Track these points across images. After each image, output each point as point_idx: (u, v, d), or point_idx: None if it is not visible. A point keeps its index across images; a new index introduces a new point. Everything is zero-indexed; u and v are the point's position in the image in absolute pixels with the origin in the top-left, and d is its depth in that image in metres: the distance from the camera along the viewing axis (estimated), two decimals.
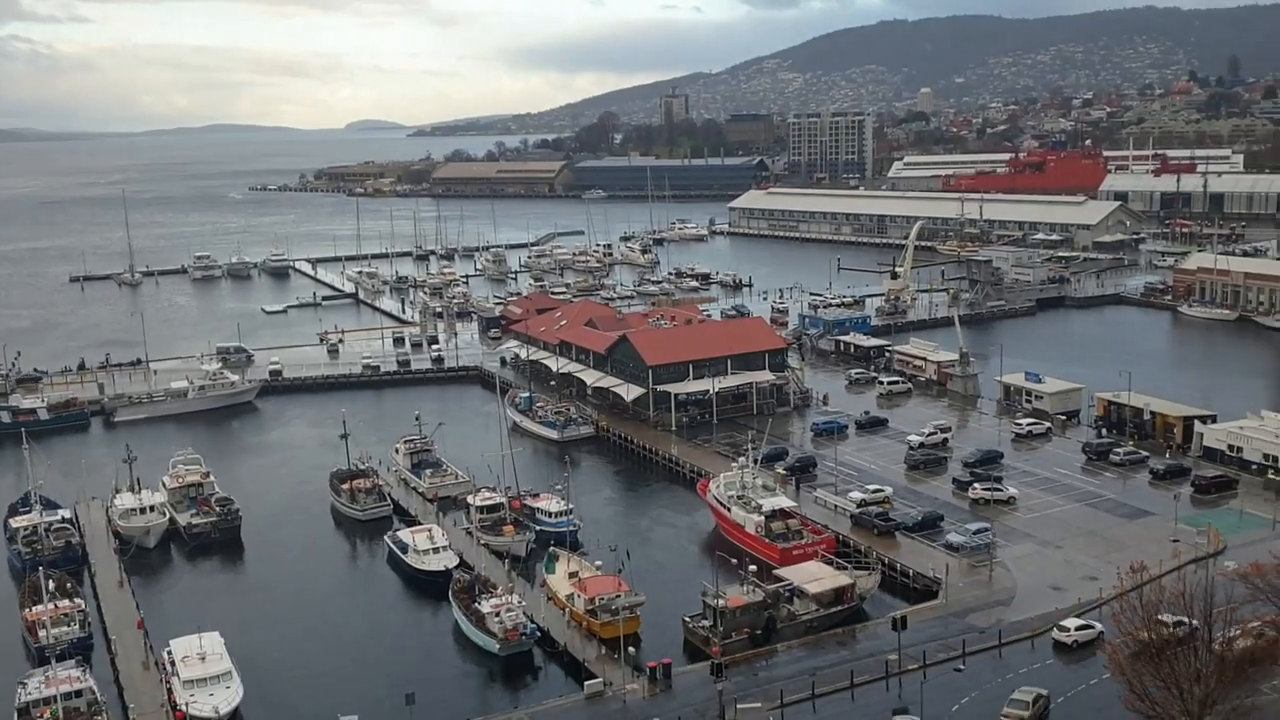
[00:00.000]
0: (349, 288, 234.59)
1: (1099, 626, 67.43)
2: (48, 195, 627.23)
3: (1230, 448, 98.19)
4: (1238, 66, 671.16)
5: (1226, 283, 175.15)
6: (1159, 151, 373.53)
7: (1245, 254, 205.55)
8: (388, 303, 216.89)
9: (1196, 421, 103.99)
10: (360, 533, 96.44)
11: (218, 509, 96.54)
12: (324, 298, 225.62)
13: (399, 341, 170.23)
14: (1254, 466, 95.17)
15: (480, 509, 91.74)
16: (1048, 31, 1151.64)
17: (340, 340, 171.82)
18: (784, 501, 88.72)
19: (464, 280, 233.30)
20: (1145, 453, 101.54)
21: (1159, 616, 54.62)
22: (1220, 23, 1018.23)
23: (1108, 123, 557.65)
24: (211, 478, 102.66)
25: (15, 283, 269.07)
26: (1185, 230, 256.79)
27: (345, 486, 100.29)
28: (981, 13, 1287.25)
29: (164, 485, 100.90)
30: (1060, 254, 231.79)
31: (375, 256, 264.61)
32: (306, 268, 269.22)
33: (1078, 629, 68.00)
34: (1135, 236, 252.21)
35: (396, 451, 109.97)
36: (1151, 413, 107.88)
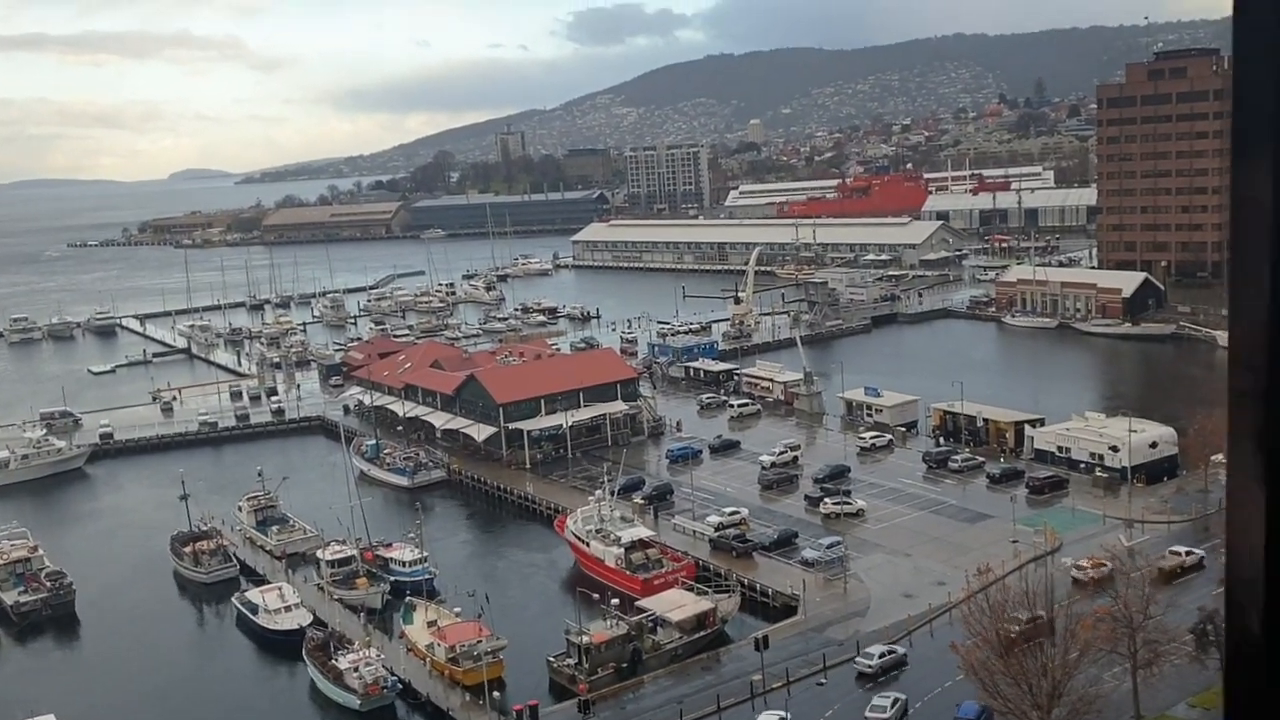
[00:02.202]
0: (181, 343, 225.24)
1: (901, 650, 69.13)
2: None
3: (1059, 449, 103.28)
4: (1043, 88, 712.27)
5: (1045, 293, 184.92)
6: (975, 171, 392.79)
7: (1061, 265, 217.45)
8: (223, 356, 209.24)
9: (1026, 426, 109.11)
10: (207, 596, 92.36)
11: (48, 584, 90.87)
12: (154, 354, 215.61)
13: (236, 395, 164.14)
14: (1082, 465, 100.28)
15: (331, 563, 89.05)
16: (865, 61, 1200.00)
17: (174, 398, 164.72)
18: (643, 532, 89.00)
19: (301, 328, 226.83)
20: (981, 458, 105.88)
21: (1009, 614, 56.83)
22: (1024, 47, 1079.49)
23: (926, 146, 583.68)
24: (40, 551, 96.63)
25: None
26: (1004, 245, 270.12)
27: (188, 549, 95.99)
28: (803, 45, 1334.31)
29: None
30: (890, 273, 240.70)
31: (207, 309, 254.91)
32: (134, 324, 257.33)
33: (880, 656, 68.23)
34: (958, 253, 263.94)
35: (240, 509, 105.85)
36: (984, 420, 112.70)
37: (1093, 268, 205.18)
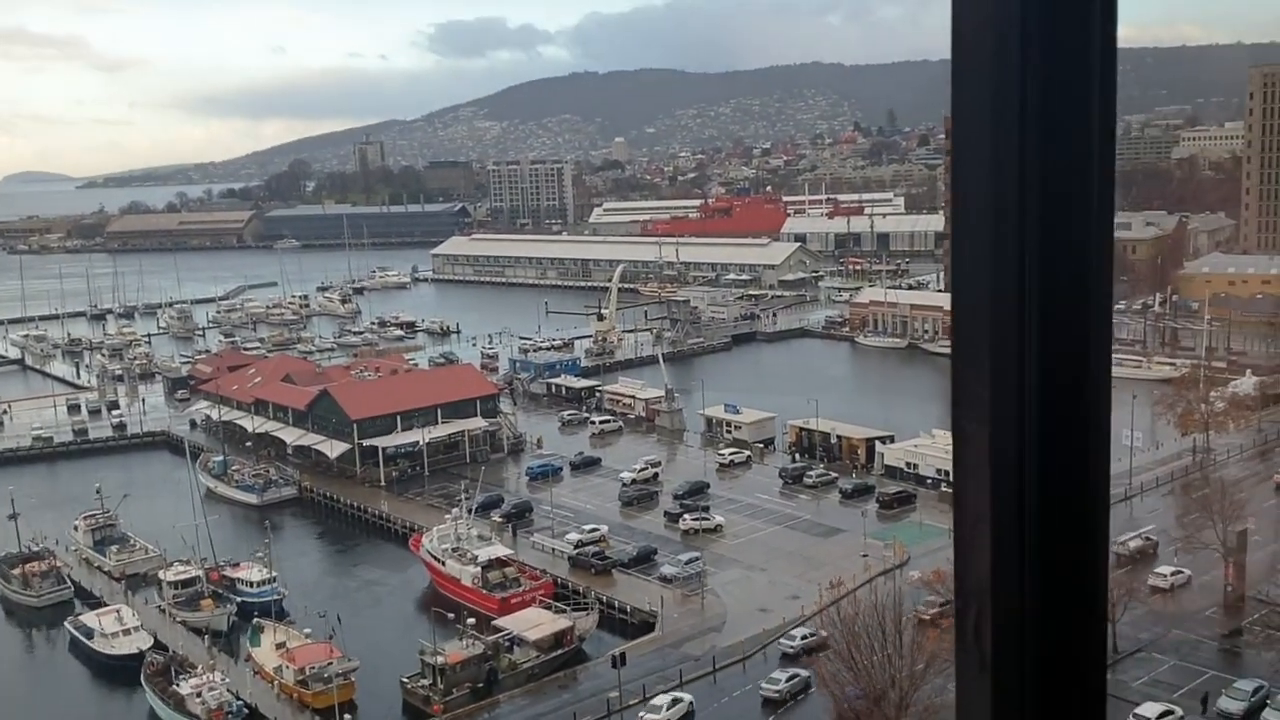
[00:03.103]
0: (14, 354, 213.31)
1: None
2: None
3: (908, 465, 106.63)
4: (895, 118, 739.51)
5: (895, 314, 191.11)
6: (831, 196, 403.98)
7: (910, 287, 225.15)
8: (60, 367, 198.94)
9: (877, 442, 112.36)
10: (37, 620, 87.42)
11: None
12: None
13: (74, 409, 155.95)
14: (929, 481, 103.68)
15: (174, 584, 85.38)
16: (727, 85, 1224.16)
17: (5, 411, 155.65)
18: (500, 550, 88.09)
19: (146, 339, 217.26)
20: (835, 474, 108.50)
21: (857, 628, 58.20)
22: (878, 77, 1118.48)
23: (785, 170, 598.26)
24: None
25: None
26: (858, 267, 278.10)
27: (16, 571, 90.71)
28: (667, 67, 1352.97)
29: None
30: (750, 292, 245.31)
31: (44, 318, 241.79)
32: None
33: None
34: (815, 274, 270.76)
35: (75, 529, 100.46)
36: (838, 436, 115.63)
37: (940, 291, 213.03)
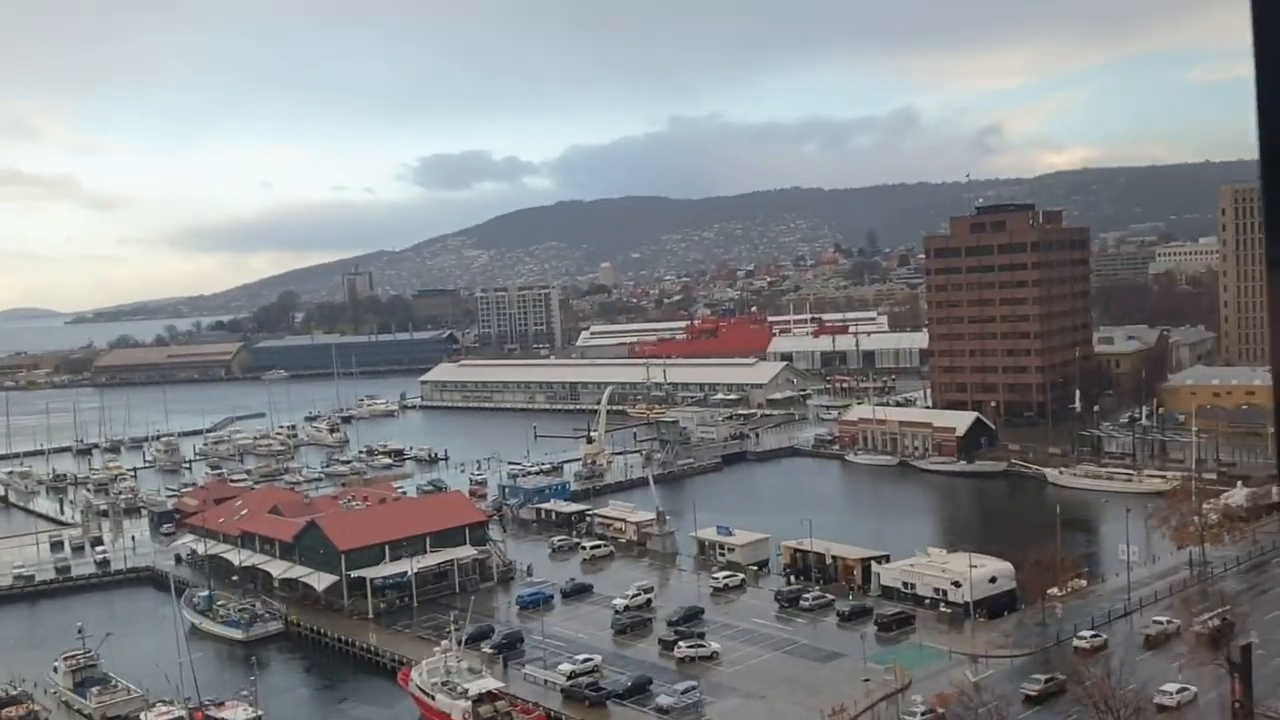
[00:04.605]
0: None
1: None
2: None
3: (905, 584, 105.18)
4: (875, 238, 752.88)
5: (885, 431, 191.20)
6: (815, 315, 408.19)
7: (898, 404, 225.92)
8: (44, 504, 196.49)
9: (873, 562, 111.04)
10: None
11: None
12: None
13: (57, 546, 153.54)
14: (926, 601, 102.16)
15: None
16: (710, 210, 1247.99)
17: None
18: (491, 683, 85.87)
19: (132, 473, 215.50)
20: (831, 596, 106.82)
21: None
22: (856, 200, 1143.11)
23: (769, 290, 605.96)
24: None
25: None
26: (844, 385, 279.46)
27: None
28: (651, 194, 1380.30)
29: None
30: (739, 411, 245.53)
31: (29, 454, 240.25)
32: None
33: None
34: (802, 393, 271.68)
35: (55, 670, 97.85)
36: (833, 556, 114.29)
37: (928, 407, 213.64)
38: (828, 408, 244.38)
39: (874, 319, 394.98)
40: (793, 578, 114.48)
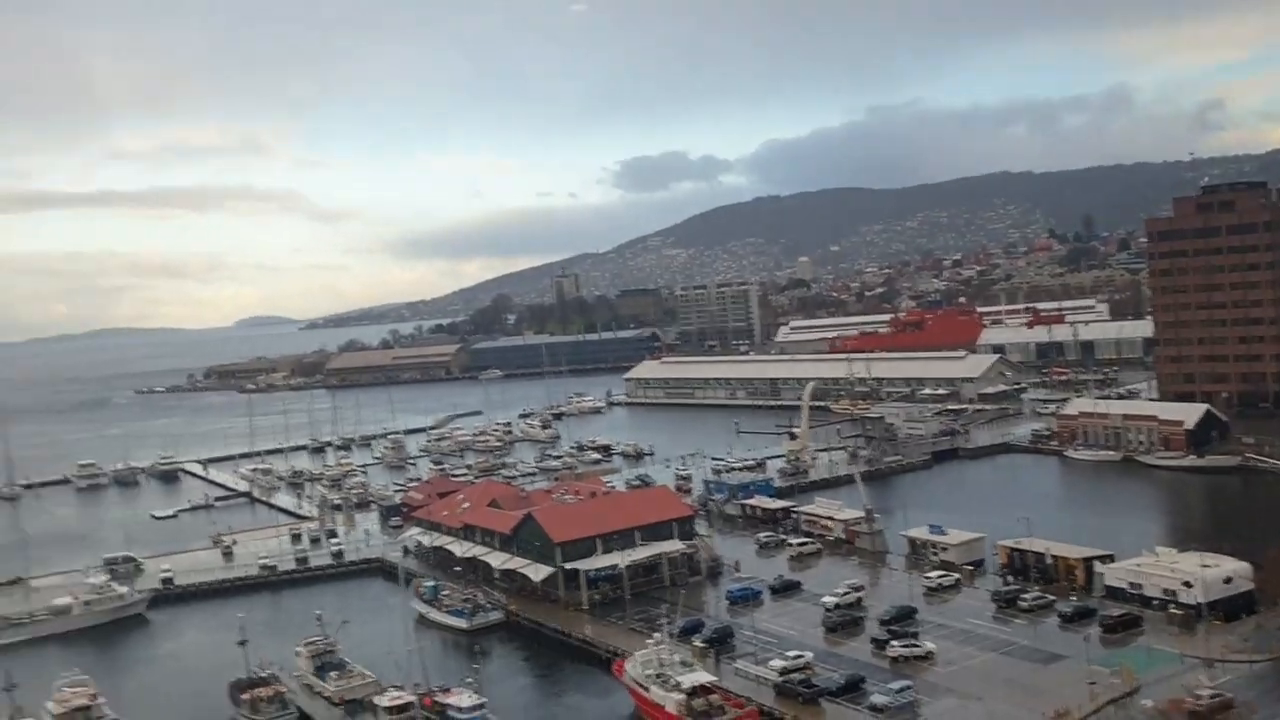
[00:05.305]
0: (243, 486, 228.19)
1: None
2: None
3: (1131, 585, 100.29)
4: (1091, 223, 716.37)
5: (1107, 425, 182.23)
6: (1029, 305, 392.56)
7: (1120, 397, 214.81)
8: (284, 499, 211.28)
9: (1096, 562, 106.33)
10: None
11: None
12: (217, 498, 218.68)
13: (296, 538, 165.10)
14: (1155, 602, 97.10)
15: (389, 710, 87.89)
16: (913, 199, 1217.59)
17: (234, 542, 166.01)
18: (704, 676, 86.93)
19: (362, 470, 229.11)
20: (1051, 596, 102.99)
21: None
22: (1071, 183, 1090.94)
23: (978, 280, 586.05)
24: (101, 699, 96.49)
25: None
26: (1062, 378, 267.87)
27: (245, 696, 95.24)
28: (850, 185, 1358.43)
29: (48, 711, 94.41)
30: (949, 407, 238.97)
31: (269, 452, 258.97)
32: (197, 469, 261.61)
33: None
34: (1017, 386, 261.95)
35: (298, 654, 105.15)
36: (1053, 556, 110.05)
37: (1153, 399, 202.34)
38: (1044, 401, 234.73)
39: (1092, 307, 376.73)
40: (1010, 578, 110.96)
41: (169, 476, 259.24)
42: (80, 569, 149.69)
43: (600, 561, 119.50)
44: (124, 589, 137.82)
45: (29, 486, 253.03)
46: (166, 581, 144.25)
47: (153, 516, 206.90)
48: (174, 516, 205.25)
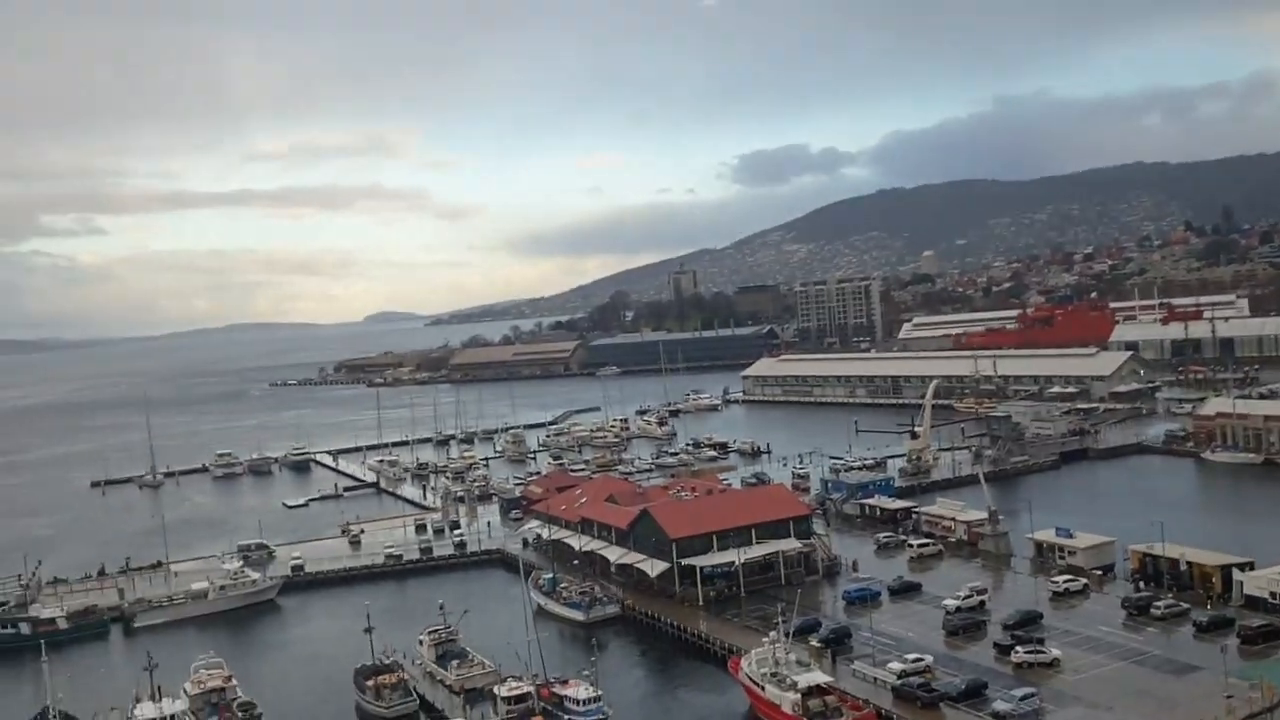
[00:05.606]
0: (370, 477, 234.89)
1: None
2: (70, 401, 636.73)
3: (1273, 595, 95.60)
4: (1231, 214, 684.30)
5: (1247, 426, 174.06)
6: (1164, 300, 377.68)
7: (1262, 396, 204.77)
8: (409, 490, 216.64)
9: (1235, 570, 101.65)
10: None
11: (239, 715, 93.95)
12: (345, 489, 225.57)
13: (421, 528, 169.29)
14: None
15: (508, 700, 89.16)
16: (1042, 191, 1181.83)
17: (361, 531, 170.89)
18: (820, 676, 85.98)
19: (484, 463, 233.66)
20: (1186, 604, 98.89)
21: None
22: (1209, 174, 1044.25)
23: (1110, 275, 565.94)
24: (234, 681, 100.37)
25: (37, 490, 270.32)
26: (1199, 376, 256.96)
27: (370, 683, 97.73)
28: (976, 177, 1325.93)
29: (185, 692, 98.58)
30: (1078, 406, 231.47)
31: (396, 444, 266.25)
32: (328, 460, 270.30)
33: None
34: (1150, 385, 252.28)
35: (420, 643, 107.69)
36: (1188, 563, 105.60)
37: None
38: (1180, 401, 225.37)
39: (1232, 303, 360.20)
40: (1142, 584, 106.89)
41: (301, 467, 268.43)
42: (216, 555, 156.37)
43: (716, 558, 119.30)
44: (257, 575, 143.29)
45: (170, 474, 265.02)
46: (297, 568, 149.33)
47: (285, 505, 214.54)
48: (305, 505, 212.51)
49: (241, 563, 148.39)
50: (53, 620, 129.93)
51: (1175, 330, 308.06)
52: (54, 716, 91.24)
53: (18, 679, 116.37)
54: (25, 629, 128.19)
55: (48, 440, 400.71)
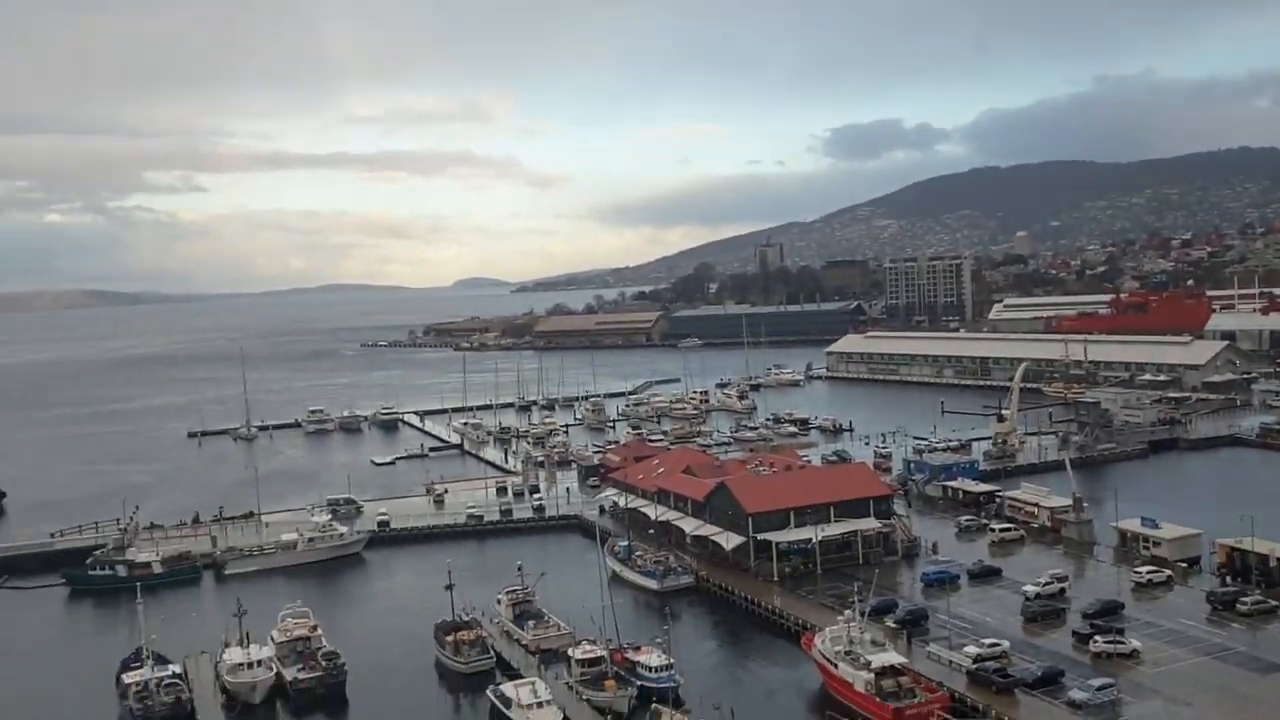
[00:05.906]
0: (455, 439, 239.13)
1: None
2: (168, 354, 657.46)
3: None
4: None
5: None
6: (1265, 290, 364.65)
7: None
8: (491, 453, 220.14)
9: None
10: (464, 687, 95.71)
11: (324, 664, 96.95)
12: (431, 449, 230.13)
13: (501, 491, 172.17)
14: None
15: (581, 662, 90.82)
16: (1142, 174, 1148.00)
17: (445, 490, 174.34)
18: (894, 657, 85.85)
19: (564, 430, 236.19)
20: (1275, 602, 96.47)
21: None
22: None
23: (1209, 262, 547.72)
24: (319, 631, 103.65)
25: (136, 439, 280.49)
26: None
27: (449, 638, 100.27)
28: (1073, 158, 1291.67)
29: (272, 639, 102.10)
30: (1170, 395, 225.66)
31: (480, 408, 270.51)
32: (414, 420, 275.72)
33: None
34: (1246, 376, 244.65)
35: (499, 602, 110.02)
36: (1278, 559, 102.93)
37: None
38: (1277, 394, 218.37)
39: None
40: (1229, 578, 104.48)
41: (389, 426, 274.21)
42: (306, 507, 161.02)
43: (792, 535, 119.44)
44: (344, 529, 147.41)
45: (264, 428, 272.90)
46: (382, 524, 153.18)
47: (373, 462, 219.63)
48: (392, 464, 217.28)
49: (330, 516, 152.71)
50: (148, 564, 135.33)
51: (1275, 321, 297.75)
52: (147, 656, 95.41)
53: (114, 619, 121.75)
54: (122, 571, 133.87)
55: (148, 391, 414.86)
